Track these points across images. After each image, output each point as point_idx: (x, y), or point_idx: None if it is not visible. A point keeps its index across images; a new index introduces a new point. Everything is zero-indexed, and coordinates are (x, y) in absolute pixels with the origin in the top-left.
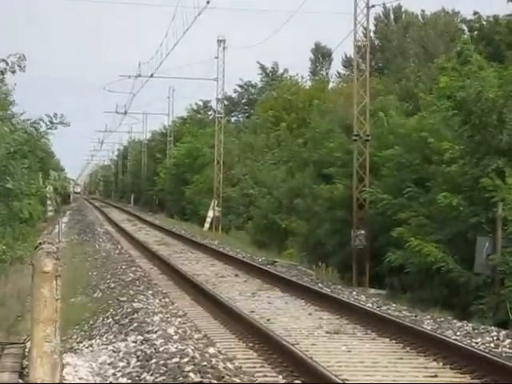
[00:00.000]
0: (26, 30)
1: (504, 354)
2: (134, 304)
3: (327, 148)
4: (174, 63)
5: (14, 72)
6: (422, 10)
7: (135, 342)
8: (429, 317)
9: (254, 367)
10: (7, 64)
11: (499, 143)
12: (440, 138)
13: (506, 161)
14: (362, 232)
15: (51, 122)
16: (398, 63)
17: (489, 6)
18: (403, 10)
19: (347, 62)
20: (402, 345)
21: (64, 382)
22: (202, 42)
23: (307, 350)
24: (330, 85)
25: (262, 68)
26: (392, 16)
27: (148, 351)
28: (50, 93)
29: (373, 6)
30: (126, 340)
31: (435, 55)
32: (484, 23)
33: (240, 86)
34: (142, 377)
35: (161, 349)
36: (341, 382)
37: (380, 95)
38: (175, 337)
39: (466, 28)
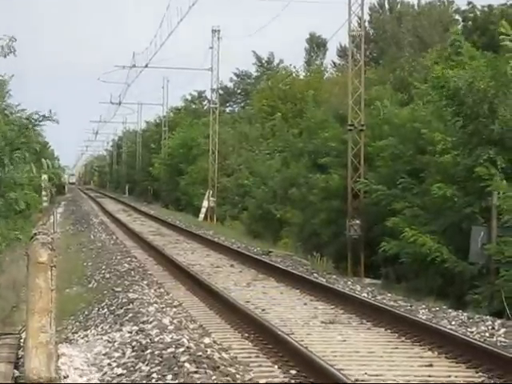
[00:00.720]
0: (20, 20)
1: (499, 343)
2: (129, 294)
3: (322, 138)
4: (168, 53)
5: (5, 56)
6: (418, 0)
7: (130, 333)
8: (424, 306)
9: (250, 357)
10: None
11: (491, 133)
12: (433, 129)
13: (497, 150)
14: (357, 222)
15: (40, 119)
16: (392, 53)
17: None
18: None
19: (342, 52)
20: (397, 334)
21: (59, 372)
22: (196, 31)
23: (302, 340)
24: (325, 75)
25: (258, 58)
26: (387, 6)
27: (143, 341)
28: (44, 83)
29: None
30: (121, 330)
31: (430, 45)
32: (478, 13)
33: (236, 74)
34: (137, 367)
35: (156, 339)
36: (336, 371)
37: (374, 85)
38: (170, 327)
39: (460, 18)
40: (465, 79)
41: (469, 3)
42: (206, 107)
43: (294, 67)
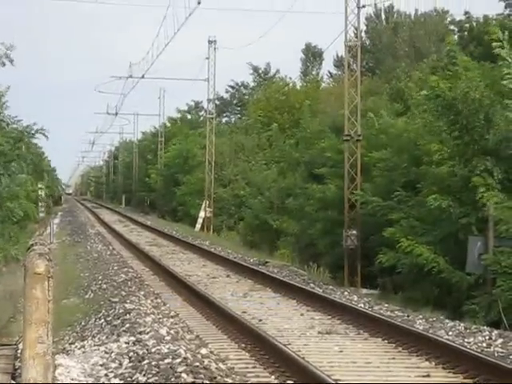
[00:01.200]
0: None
1: (496, 354)
2: (126, 305)
3: (318, 148)
4: (164, 64)
5: (4, 65)
6: (415, 10)
7: (127, 343)
8: (421, 317)
9: (247, 368)
10: None
11: (486, 143)
12: (429, 139)
13: (493, 161)
14: (354, 232)
15: (33, 132)
16: (388, 63)
17: (479, 6)
18: (395, 9)
19: (338, 62)
20: (394, 345)
21: (56, 382)
22: (192, 42)
23: (299, 351)
24: (322, 85)
25: (254, 68)
26: (383, 16)
27: (140, 352)
28: (40, 94)
29: (363, 6)
30: (118, 341)
31: (425, 55)
32: (474, 23)
33: (231, 86)
34: (135, 377)
35: (153, 349)
36: (333, 382)
37: (371, 95)
38: (167, 337)
39: (456, 29)
40: (460, 89)
41: (465, 13)
42: (202, 118)
43: (290, 78)
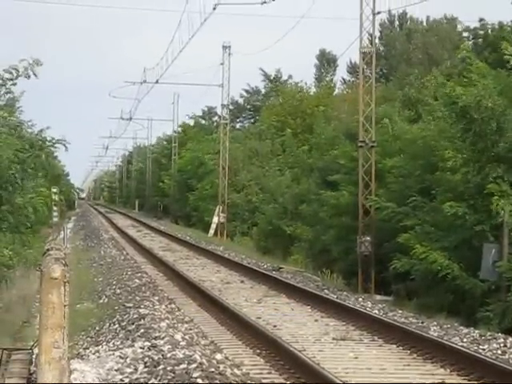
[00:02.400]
0: (30, 36)
1: (511, 361)
2: (141, 310)
3: (331, 155)
4: (179, 69)
5: (28, 77)
6: (427, 17)
7: (142, 348)
8: (435, 323)
9: (261, 373)
10: (18, 72)
11: (499, 151)
12: (443, 146)
13: (505, 168)
14: (368, 238)
15: (53, 141)
16: (402, 70)
17: (493, 13)
18: (408, 16)
19: (352, 69)
20: (408, 351)
21: None
22: (207, 48)
23: (314, 357)
24: (336, 91)
25: (265, 75)
26: (397, 22)
27: (155, 357)
28: (55, 99)
29: (378, 13)
30: (133, 346)
31: (439, 62)
32: (489, 30)
33: (246, 91)
34: (150, 383)
35: (168, 355)
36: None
37: (384, 102)
38: (182, 343)
39: (470, 35)
40: (473, 97)
41: (480, 20)
42: (216, 123)
43: (306, 83)
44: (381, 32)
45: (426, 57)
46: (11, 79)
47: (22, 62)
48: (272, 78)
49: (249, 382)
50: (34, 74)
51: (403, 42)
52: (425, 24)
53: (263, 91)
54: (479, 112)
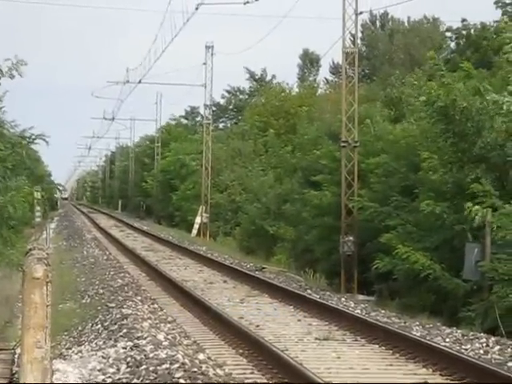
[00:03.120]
0: (13, 36)
1: (493, 361)
2: (123, 310)
3: (314, 156)
4: (162, 69)
5: (12, 77)
6: (408, 17)
7: (125, 348)
8: (417, 323)
9: (244, 373)
10: (1, 72)
11: (476, 151)
12: (424, 146)
13: (484, 169)
14: (351, 238)
15: (33, 137)
16: (385, 70)
17: (475, 13)
18: (390, 16)
19: (334, 69)
20: (391, 351)
21: None
22: (190, 47)
23: (297, 357)
24: (319, 91)
25: (251, 74)
26: (378, 23)
27: (138, 357)
28: (38, 98)
29: (361, 13)
30: (116, 346)
31: (420, 62)
32: (471, 30)
33: (228, 91)
34: (132, 383)
35: (151, 355)
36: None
37: (366, 102)
38: (165, 343)
39: (452, 35)
40: (450, 97)
41: (462, 20)
42: (198, 123)
43: (287, 84)
44: (362, 32)
45: (407, 57)
46: None
47: (5, 62)
48: (257, 77)
49: (231, 382)
50: (19, 74)
51: (385, 42)
52: (406, 24)
53: (247, 91)
54: (457, 112)
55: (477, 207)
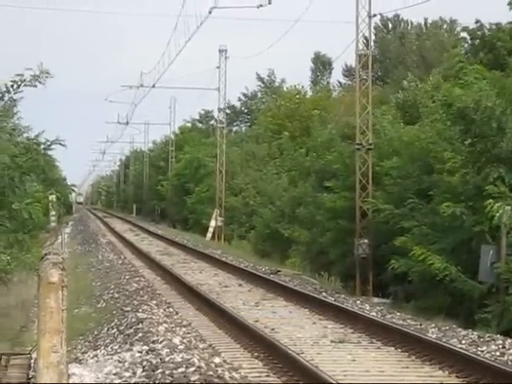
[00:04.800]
0: (27, 41)
1: (510, 363)
2: (139, 314)
3: (328, 160)
4: (175, 73)
5: (35, 86)
6: (425, 19)
7: (140, 352)
8: (433, 325)
9: (260, 377)
10: (24, 80)
11: (500, 152)
12: (441, 148)
13: (506, 169)
14: (365, 241)
15: (49, 143)
16: (398, 73)
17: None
18: (402, 19)
19: (347, 72)
20: (407, 354)
21: None
22: (203, 51)
23: (312, 359)
24: (333, 94)
25: (260, 79)
26: (390, 25)
27: (154, 361)
28: (52, 103)
29: (374, 15)
30: (132, 350)
31: (433, 65)
32: (486, 31)
33: (244, 94)
34: None
35: (166, 359)
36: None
37: (381, 105)
38: (180, 346)
39: (467, 36)
40: (472, 98)
41: (477, 21)
42: (212, 127)
43: (303, 86)
44: (375, 35)
45: (420, 59)
46: (18, 86)
47: (27, 71)
48: (266, 80)
49: (243, 382)
50: (42, 83)
51: (398, 45)
52: (419, 27)
53: (259, 95)
54: (479, 113)
55: (498, 204)
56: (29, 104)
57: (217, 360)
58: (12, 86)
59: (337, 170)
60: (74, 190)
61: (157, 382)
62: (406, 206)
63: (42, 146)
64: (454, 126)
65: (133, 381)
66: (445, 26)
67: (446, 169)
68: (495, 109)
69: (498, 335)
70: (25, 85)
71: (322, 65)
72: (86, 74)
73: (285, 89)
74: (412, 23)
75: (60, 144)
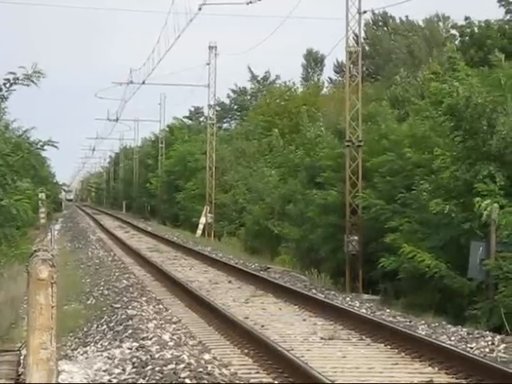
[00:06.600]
0: (16, 37)
1: (499, 359)
2: (128, 311)
3: (318, 156)
4: (165, 70)
5: (27, 85)
6: (406, 16)
7: (130, 349)
8: (423, 322)
9: (250, 373)
10: (17, 79)
11: (490, 149)
12: (431, 145)
13: (496, 166)
14: (355, 238)
15: (40, 144)
16: (388, 69)
17: (479, 11)
18: (391, 15)
19: (339, 68)
20: (396, 350)
21: None
22: (193, 48)
23: (302, 356)
24: (323, 90)
25: (253, 75)
26: (380, 22)
27: (143, 358)
28: (41, 99)
29: (365, 12)
30: (121, 347)
31: (423, 61)
32: (475, 28)
33: (233, 91)
34: (138, 383)
35: (156, 355)
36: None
37: (371, 101)
38: (170, 343)
39: (457, 33)
40: (462, 94)
41: (466, 18)
42: (202, 123)
43: (294, 83)
44: (365, 31)
45: (409, 56)
46: (11, 84)
47: (20, 69)
48: (260, 78)
49: (237, 381)
50: (34, 83)
51: (388, 41)
52: (409, 23)
53: (250, 91)
54: (469, 110)
55: (486, 202)
56: (17, 98)
57: (207, 357)
58: (5, 84)
59: (329, 166)
60: (64, 190)
61: (147, 378)
62: (396, 201)
63: (34, 147)
64: (444, 123)
65: (122, 377)
66: (429, 23)
67: (436, 165)
68: (486, 106)
69: (488, 332)
70: (17, 83)
71: (314, 61)
72: (76, 69)
73: (277, 85)
74: (402, 20)
75: (53, 145)
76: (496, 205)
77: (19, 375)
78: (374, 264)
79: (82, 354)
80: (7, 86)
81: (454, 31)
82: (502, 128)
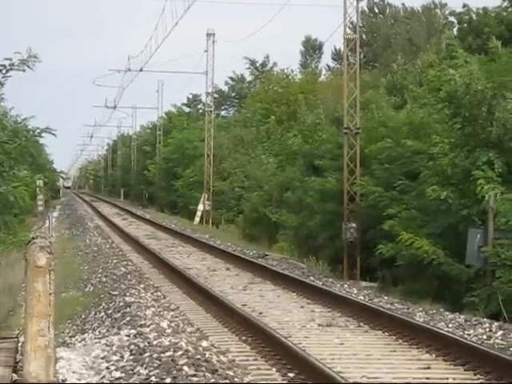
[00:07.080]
0: (15, 23)
1: (496, 346)
2: (126, 298)
3: (318, 140)
4: (163, 57)
5: (23, 70)
6: (402, 4)
7: (128, 336)
8: (421, 309)
9: (248, 360)
10: (12, 65)
11: (489, 135)
12: (429, 132)
13: (495, 153)
14: (353, 225)
15: (38, 132)
16: (386, 56)
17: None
18: (388, 2)
19: (337, 55)
20: (394, 337)
21: (57, 375)
22: (190, 35)
23: (300, 343)
24: (321, 77)
25: (251, 62)
26: (377, 9)
27: (141, 345)
28: (39, 86)
29: None
30: (119, 334)
31: (421, 48)
32: (473, 15)
33: (231, 78)
34: (136, 370)
35: (154, 342)
36: (334, 373)
37: (369, 89)
38: (168, 330)
39: (455, 20)
40: (462, 81)
41: (464, 6)
42: (201, 111)
43: (292, 70)
44: (362, 19)
45: (408, 43)
46: (7, 70)
47: (16, 55)
48: (259, 64)
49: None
50: (30, 68)
51: (386, 28)
52: (407, 10)
53: (248, 78)
54: (469, 97)
55: (489, 185)
56: (15, 86)
57: (204, 344)
58: (1, 70)
59: (327, 152)
60: (62, 177)
61: (144, 365)
62: (395, 188)
63: (31, 133)
64: (442, 110)
65: (120, 364)
66: (427, 10)
67: (434, 152)
68: (486, 92)
69: (485, 319)
70: (13, 69)
71: (312, 48)
72: (74, 57)
73: (275, 73)
74: (400, 7)
75: (50, 133)
76: (496, 190)
77: (17, 362)
78: (372, 251)
79: (80, 341)
80: (3, 72)
81: (451, 18)
82: (501, 114)
